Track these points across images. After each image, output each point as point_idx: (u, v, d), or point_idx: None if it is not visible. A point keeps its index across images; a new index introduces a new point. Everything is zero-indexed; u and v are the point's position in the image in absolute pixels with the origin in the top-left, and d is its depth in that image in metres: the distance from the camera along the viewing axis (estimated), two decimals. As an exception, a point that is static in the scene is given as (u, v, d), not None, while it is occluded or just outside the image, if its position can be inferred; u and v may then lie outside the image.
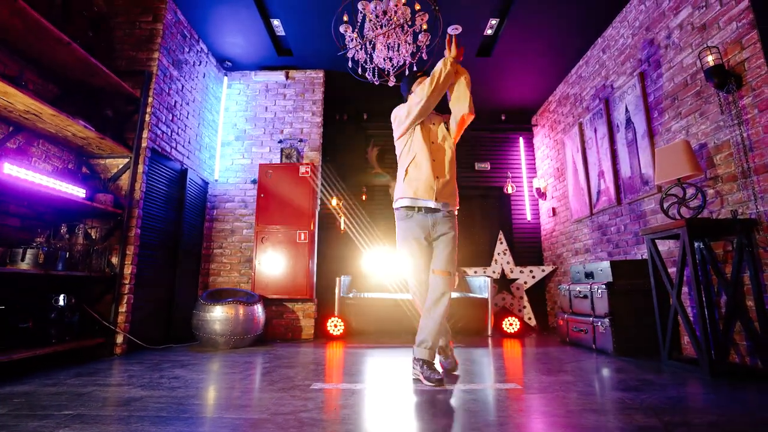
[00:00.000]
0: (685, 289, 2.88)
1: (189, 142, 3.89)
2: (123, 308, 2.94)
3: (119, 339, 2.89)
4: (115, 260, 2.98)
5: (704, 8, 2.76)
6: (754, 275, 2.36)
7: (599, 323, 3.14)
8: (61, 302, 2.49)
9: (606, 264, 3.27)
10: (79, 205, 2.69)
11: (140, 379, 2.16)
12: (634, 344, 2.98)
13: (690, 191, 2.80)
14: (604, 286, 3.13)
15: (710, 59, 2.58)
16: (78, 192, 2.62)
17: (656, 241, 3.14)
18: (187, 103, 3.87)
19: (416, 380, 2.16)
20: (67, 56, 2.62)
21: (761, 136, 2.37)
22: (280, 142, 4.44)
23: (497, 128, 5.75)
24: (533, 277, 5.07)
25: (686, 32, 2.92)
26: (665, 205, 2.83)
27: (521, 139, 5.75)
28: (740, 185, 2.50)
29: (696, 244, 2.75)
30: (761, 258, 2.37)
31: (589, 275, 3.51)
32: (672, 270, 3.01)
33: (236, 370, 2.46)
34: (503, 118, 5.68)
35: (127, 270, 3.00)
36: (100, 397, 1.78)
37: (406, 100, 2.49)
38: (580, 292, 3.48)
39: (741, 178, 2.49)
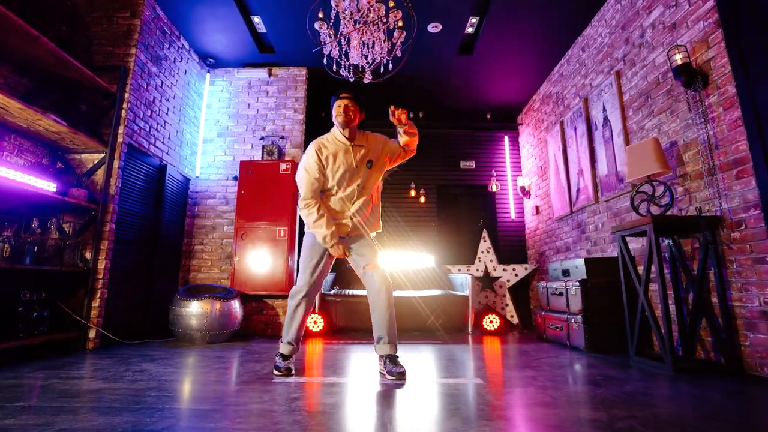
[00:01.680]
0: (655, 286, 2.90)
1: (169, 138, 3.89)
2: (96, 303, 2.94)
3: (92, 334, 2.89)
4: (89, 255, 2.98)
5: (674, 7, 2.78)
6: (718, 272, 2.38)
7: (573, 320, 3.16)
8: (29, 297, 2.49)
9: (581, 261, 3.29)
10: (51, 200, 2.69)
11: (105, 372, 2.17)
12: (607, 341, 3.00)
13: (659, 189, 2.82)
14: (577, 283, 3.15)
15: (678, 58, 2.60)
16: (48, 186, 2.62)
17: (630, 238, 3.17)
18: (167, 99, 3.87)
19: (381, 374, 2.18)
20: (38, 50, 2.61)
21: (726, 134, 2.39)
22: (262, 139, 4.45)
23: (482, 127, 5.77)
24: (516, 275, 5.09)
25: (658, 31, 2.94)
26: (636, 203, 2.85)
27: (506, 138, 5.77)
28: (706, 183, 2.52)
29: (666, 242, 2.78)
30: (725, 255, 2.39)
31: (566, 273, 3.53)
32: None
33: (204, 364, 2.46)
34: (488, 116, 5.69)
35: (101, 265, 3.00)
36: (58, 390, 1.79)
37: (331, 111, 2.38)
38: (556, 289, 3.50)
39: (707, 175, 2.51)
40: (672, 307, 2.74)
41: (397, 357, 2.17)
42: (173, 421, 1.41)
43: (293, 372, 2.20)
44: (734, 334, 2.30)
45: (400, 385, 1.97)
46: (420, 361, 2.59)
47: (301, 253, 2.34)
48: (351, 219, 2.30)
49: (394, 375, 2.06)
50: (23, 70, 2.83)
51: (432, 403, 1.67)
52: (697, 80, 2.56)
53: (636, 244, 3.17)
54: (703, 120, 2.54)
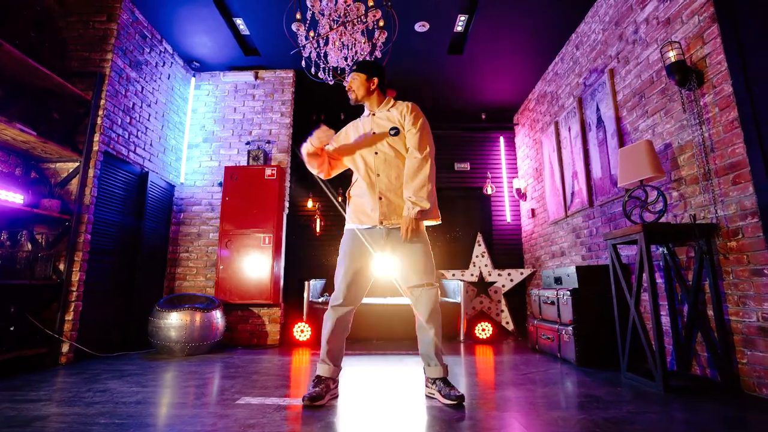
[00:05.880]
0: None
1: (151, 145, 3.81)
2: (70, 316, 2.86)
3: (65, 348, 2.82)
4: (63, 267, 2.91)
5: (668, 1, 2.62)
6: (713, 283, 2.23)
7: (564, 331, 3.02)
8: (-5, 312, 2.42)
9: (572, 269, 3.14)
10: (20, 212, 2.62)
11: (65, 393, 2.08)
12: (598, 354, 2.85)
13: (653, 194, 2.67)
14: (569, 293, 3.01)
15: (671, 55, 2.44)
16: (14, 198, 2.54)
17: (624, 245, 3.02)
18: (149, 105, 3.78)
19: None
20: (2, 58, 2.54)
21: (722, 135, 2.24)
22: (248, 143, 4.35)
23: (477, 127, 5.62)
24: (511, 280, 4.94)
25: (652, 27, 2.79)
26: (628, 209, 2.70)
27: (502, 139, 5.62)
28: (702, 188, 2.37)
29: (660, 250, 2.63)
30: (721, 265, 2.24)
31: (558, 280, 3.39)
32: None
33: (175, 381, 2.37)
34: (483, 117, 5.55)
35: (75, 277, 2.92)
36: (5, 416, 1.70)
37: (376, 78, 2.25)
38: (548, 297, 3.36)
39: (702, 180, 2.36)
40: (666, 319, 2.59)
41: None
42: (108, 457, 1.31)
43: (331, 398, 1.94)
44: (731, 351, 2.15)
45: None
46: (400, 375, 2.47)
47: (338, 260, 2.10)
48: (378, 195, 2.05)
49: (452, 398, 1.85)
50: (-8, 79, 2.76)
51: (396, 428, 1.55)
52: (691, 78, 2.40)
53: (630, 251, 3.02)
54: (698, 121, 2.39)
